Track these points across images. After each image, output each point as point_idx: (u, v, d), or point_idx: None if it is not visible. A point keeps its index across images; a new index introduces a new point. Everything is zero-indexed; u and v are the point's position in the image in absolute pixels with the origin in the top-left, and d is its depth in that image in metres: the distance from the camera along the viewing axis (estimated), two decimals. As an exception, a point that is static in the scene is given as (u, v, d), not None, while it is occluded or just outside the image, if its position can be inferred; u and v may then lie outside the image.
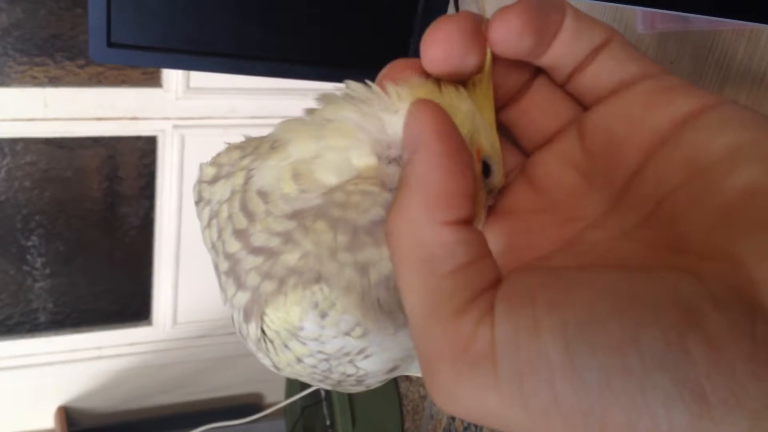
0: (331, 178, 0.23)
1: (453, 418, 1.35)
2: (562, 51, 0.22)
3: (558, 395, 0.16)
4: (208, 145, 1.63)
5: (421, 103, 0.21)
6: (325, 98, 0.24)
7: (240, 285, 0.25)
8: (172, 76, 1.46)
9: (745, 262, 0.16)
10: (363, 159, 0.23)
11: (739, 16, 0.40)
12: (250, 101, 1.52)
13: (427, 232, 0.19)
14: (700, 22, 0.46)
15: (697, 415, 0.15)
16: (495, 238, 0.24)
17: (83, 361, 1.72)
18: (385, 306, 0.24)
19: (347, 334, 0.25)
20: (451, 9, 0.66)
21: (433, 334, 0.18)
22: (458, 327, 0.18)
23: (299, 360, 0.27)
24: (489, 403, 0.17)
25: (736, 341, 0.15)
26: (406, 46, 0.63)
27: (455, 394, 0.17)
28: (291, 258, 0.24)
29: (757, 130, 0.18)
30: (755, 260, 0.16)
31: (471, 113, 0.23)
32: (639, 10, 0.50)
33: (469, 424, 1.26)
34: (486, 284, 0.18)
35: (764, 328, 0.15)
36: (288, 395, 1.68)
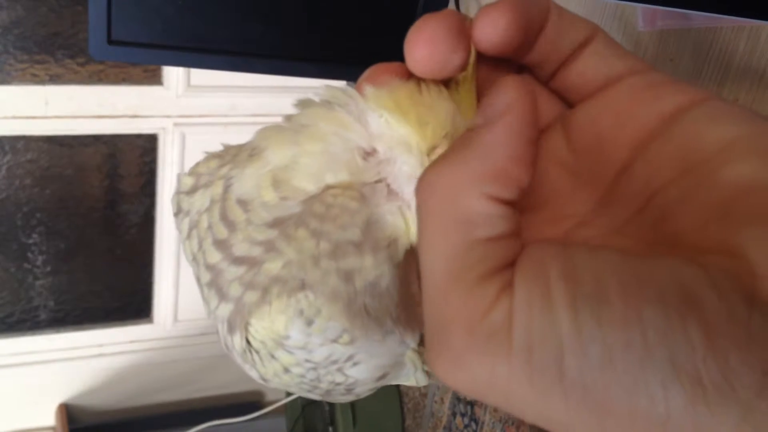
0: (308, 185, 0.23)
1: (453, 416, 1.35)
2: (547, 48, 0.21)
3: (564, 369, 0.16)
4: (209, 143, 1.63)
5: (518, 79, 0.20)
6: (302, 103, 0.24)
7: (222, 296, 0.25)
8: (172, 74, 1.46)
9: (745, 254, 0.16)
10: (339, 165, 0.23)
11: (739, 13, 0.40)
12: (250, 99, 1.52)
13: (471, 198, 0.18)
14: (701, 19, 0.46)
15: (692, 398, 0.15)
16: None
17: (84, 358, 1.72)
18: (372, 312, 0.24)
19: (334, 341, 0.25)
20: (452, 5, 0.66)
21: (451, 297, 0.18)
22: (481, 293, 0.17)
23: (286, 370, 0.26)
24: (496, 374, 0.17)
25: (731, 330, 0.15)
26: (407, 44, 0.63)
27: (464, 360, 0.17)
28: (274, 267, 0.24)
29: (748, 125, 0.18)
30: (754, 251, 0.16)
31: (451, 114, 0.23)
32: (639, 8, 0.50)
33: (469, 422, 1.26)
34: (512, 260, 0.18)
35: (760, 320, 0.15)
36: (289, 393, 1.68)
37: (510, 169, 0.18)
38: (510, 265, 0.18)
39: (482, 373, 0.17)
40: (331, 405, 1.60)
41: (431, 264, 0.18)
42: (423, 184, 0.19)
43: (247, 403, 1.96)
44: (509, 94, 0.19)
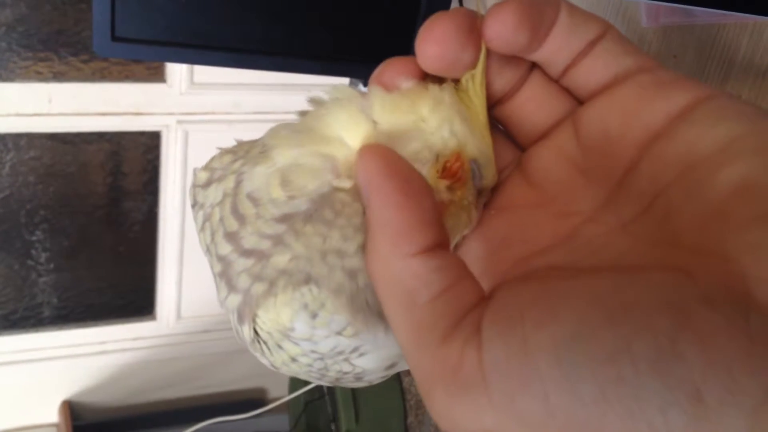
0: (311, 185, 0.23)
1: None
2: (557, 46, 0.21)
3: (553, 409, 0.16)
4: (212, 140, 1.63)
5: (364, 151, 0.22)
6: (314, 101, 0.24)
7: (232, 287, 0.25)
8: (176, 71, 1.46)
9: (736, 257, 0.16)
10: (339, 166, 0.23)
11: (742, 10, 0.40)
12: (254, 96, 1.52)
13: (398, 267, 0.19)
14: (704, 15, 0.46)
15: (694, 417, 0.15)
16: (491, 233, 0.24)
17: (87, 355, 1.73)
18: (374, 307, 0.24)
19: (339, 333, 0.25)
20: (455, 3, 0.66)
21: (423, 362, 0.19)
22: (445, 353, 0.18)
23: (294, 359, 0.27)
24: (485, 422, 0.17)
25: (731, 339, 0.15)
26: (411, 39, 0.63)
27: (452, 416, 0.18)
28: (281, 260, 0.24)
29: (749, 122, 0.18)
30: (747, 256, 0.16)
31: (450, 119, 0.23)
32: (643, 4, 0.50)
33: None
34: (468, 306, 0.19)
35: (759, 323, 0.15)
36: (291, 390, 1.68)
37: (404, 220, 0.20)
38: (467, 312, 0.19)
39: (472, 425, 0.17)
40: (334, 402, 1.61)
41: (400, 339, 0.20)
42: (369, 276, 0.21)
43: (250, 400, 1.96)
44: (364, 167, 0.21)
